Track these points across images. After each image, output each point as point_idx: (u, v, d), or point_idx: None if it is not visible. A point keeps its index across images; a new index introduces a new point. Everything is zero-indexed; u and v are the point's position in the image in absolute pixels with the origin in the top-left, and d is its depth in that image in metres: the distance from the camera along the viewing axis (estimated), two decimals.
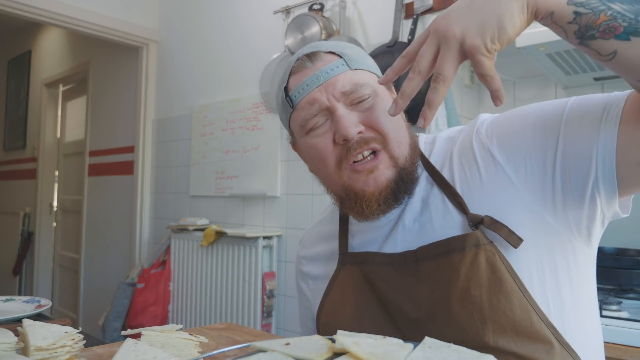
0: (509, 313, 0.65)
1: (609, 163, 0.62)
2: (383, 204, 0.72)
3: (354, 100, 0.72)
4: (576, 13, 0.54)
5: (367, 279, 0.77)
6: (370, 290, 0.77)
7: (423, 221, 0.75)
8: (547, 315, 0.66)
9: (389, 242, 0.77)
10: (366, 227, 0.80)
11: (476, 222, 0.68)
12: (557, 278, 0.68)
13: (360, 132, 0.72)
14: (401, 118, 0.77)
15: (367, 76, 0.75)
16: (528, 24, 0.57)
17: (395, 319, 0.74)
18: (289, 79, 0.76)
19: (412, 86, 0.61)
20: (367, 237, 0.81)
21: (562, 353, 0.66)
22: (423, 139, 0.82)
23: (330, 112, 0.73)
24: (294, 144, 0.84)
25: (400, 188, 0.73)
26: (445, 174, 0.75)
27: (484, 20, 0.56)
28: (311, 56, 0.75)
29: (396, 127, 0.74)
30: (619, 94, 0.64)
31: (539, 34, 1.35)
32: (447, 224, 0.72)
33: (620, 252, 1.51)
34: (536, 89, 1.88)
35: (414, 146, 0.77)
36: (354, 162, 0.72)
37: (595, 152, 0.62)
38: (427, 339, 0.55)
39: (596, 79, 1.67)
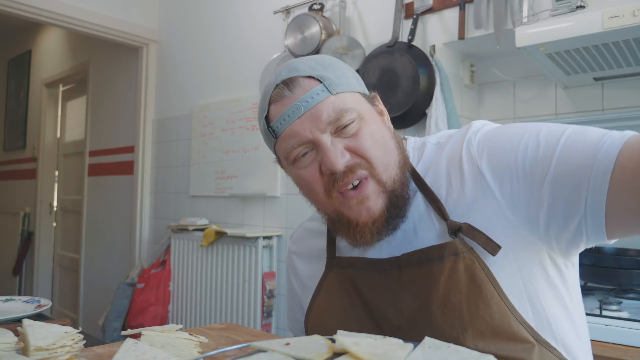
0: (488, 319, 0.66)
1: (598, 206, 0.60)
2: (377, 233, 0.72)
3: (339, 128, 0.70)
4: None
5: (353, 284, 0.78)
6: (356, 295, 0.78)
7: (406, 227, 0.75)
8: (525, 317, 0.68)
9: (374, 247, 0.77)
10: None
11: (455, 229, 0.69)
12: (536, 283, 0.70)
13: (346, 162, 0.69)
14: (389, 136, 0.74)
15: (350, 98, 0.72)
16: None
17: (381, 324, 0.75)
18: (269, 107, 0.74)
19: None
20: None
21: (541, 350, 0.67)
22: (412, 144, 0.81)
23: (314, 144, 0.70)
24: (283, 167, 0.81)
25: (392, 215, 0.72)
26: (429, 180, 0.74)
27: None
28: (289, 83, 0.71)
29: (382, 150, 0.71)
30: (617, 134, 0.62)
31: (539, 34, 1.35)
32: (429, 231, 0.73)
33: (620, 252, 1.51)
34: (536, 89, 1.88)
35: (404, 163, 0.74)
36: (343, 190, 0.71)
37: (585, 193, 0.61)
38: (427, 338, 0.55)
39: (596, 79, 1.67)
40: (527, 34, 1.37)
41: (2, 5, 2.65)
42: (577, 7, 1.33)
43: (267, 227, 2.46)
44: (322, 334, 0.64)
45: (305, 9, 2.27)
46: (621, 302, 1.29)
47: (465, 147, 0.73)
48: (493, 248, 0.66)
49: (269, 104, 0.74)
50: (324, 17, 2.17)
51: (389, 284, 0.74)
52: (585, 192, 0.61)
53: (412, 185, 0.76)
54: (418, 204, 0.74)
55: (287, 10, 2.37)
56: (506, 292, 0.67)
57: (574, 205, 0.62)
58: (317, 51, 2.11)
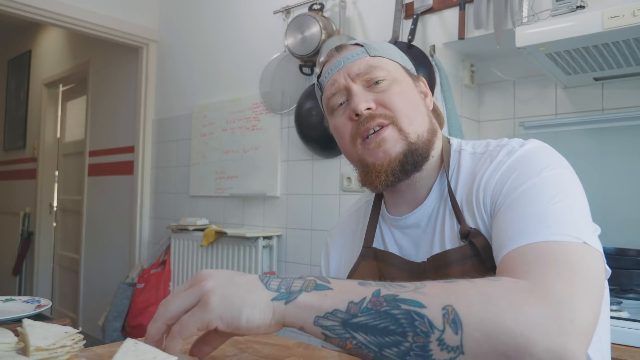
0: None
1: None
2: (391, 175, 0.76)
3: (370, 82, 0.78)
4: (325, 335, 0.54)
5: (382, 278, 0.81)
6: None
7: (427, 215, 0.81)
8: None
9: (412, 247, 0.81)
10: (398, 225, 0.84)
11: (465, 233, 0.72)
12: None
13: (369, 109, 0.77)
14: (421, 103, 0.81)
15: (385, 62, 0.81)
16: (276, 328, 0.56)
17: None
18: (322, 67, 0.85)
19: (153, 330, 0.57)
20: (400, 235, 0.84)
21: None
22: (455, 146, 0.84)
23: (347, 92, 0.80)
24: (327, 124, 0.90)
25: (409, 161, 0.76)
26: (453, 184, 0.79)
27: (230, 299, 0.54)
28: (339, 48, 0.84)
29: (411, 108, 0.78)
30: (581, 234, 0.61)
31: (539, 33, 1.35)
32: (443, 226, 0.77)
33: (620, 252, 1.51)
34: (536, 89, 1.88)
35: (433, 131, 0.80)
36: (367, 136, 0.77)
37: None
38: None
39: (596, 79, 1.67)
40: (527, 34, 1.37)
41: (2, 5, 2.65)
42: (577, 7, 1.34)
43: (267, 227, 2.46)
44: None
45: (305, 9, 2.27)
46: (621, 302, 1.29)
47: (489, 170, 0.74)
48: (487, 255, 0.69)
49: (323, 65, 0.85)
50: (324, 17, 2.17)
51: None
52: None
53: (441, 182, 0.80)
54: (443, 201, 0.79)
55: (287, 10, 2.37)
56: None
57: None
58: (317, 51, 2.11)
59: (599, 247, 0.62)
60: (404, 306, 0.52)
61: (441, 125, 0.89)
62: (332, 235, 0.99)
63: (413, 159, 0.76)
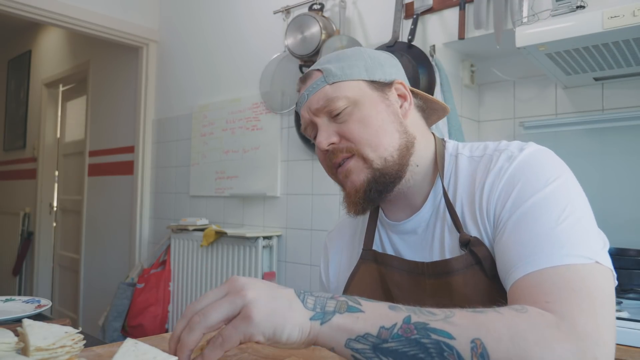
0: None
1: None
2: (360, 203, 0.78)
3: (331, 114, 0.79)
4: (354, 357, 0.55)
5: (383, 279, 0.82)
6: (383, 292, 0.82)
7: (424, 221, 0.81)
8: None
9: (410, 252, 0.82)
10: (396, 230, 0.84)
11: (465, 242, 0.73)
12: None
13: (332, 143, 0.79)
14: (388, 120, 0.79)
15: (344, 87, 0.79)
16: (306, 346, 0.57)
17: None
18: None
19: (192, 340, 0.56)
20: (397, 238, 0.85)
21: None
22: (450, 150, 0.83)
23: (313, 126, 0.82)
24: None
25: (372, 189, 0.77)
26: (451, 190, 0.79)
27: (274, 315, 0.55)
28: (303, 78, 0.84)
29: (372, 134, 0.77)
30: (592, 252, 0.62)
31: (539, 33, 1.35)
32: (441, 234, 0.78)
33: (620, 252, 1.51)
34: (536, 89, 1.88)
35: (406, 146, 0.79)
36: (338, 166, 0.80)
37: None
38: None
39: (596, 79, 1.67)
40: (527, 34, 1.37)
41: (2, 5, 2.65)
42: (577, 7, 1.33)
43: (267, 227, 2.46)
44: None
45: (305, 9, 2.27)
46: (621, 302, 1.29)
47: (491, 178, 0.73)
48: (488, 265, 0.70)
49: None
50: (324, 17, 2.17)
51: (416, 287, 0.78)
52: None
53: (438, 188, 0.80)
54: (442, 207, 0.79)
55: (287, 10, 2.37)
56: None
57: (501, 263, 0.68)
58: (317, 51, 2.11)
59: (609, 264, 0.63)
60: (433, 336, 0.53)
61: (445, 112, 0.89)
62: (331, 238, 0.99)
63: (377, 186, 0.77)
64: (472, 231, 0.74)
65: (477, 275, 0.71)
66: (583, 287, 0.58)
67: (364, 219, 0.92)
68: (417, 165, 0.80)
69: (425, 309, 0.56)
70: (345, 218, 0.99)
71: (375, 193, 0.77)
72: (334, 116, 0.79)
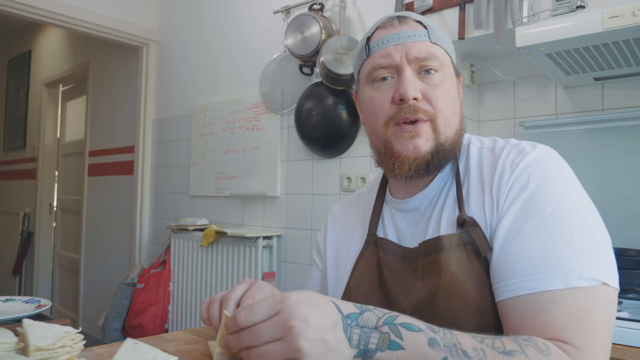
0: (490, 312, 0.69)
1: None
2: (414, 170, 0.77)
3: (423, 69, 0.77)
4: None
5: (379, 263, 0.83)
6: (378, 275, 0.83)
7: (427, 199, 0.82)
8: None
9: (409, 230, 0.83)
10: (399, 208, 0.85)
11: (461, 222, 0.73)
12: None
13: (416, 98, 0.75)
14: (459, 105, 0.82)
15: (442, 53, 0.79)
16: None
17: (392, 307, 0.78)
18: (375, 31, 0.82)
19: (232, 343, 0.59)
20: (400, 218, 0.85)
21: None
22: (465, 140, 0.85)
23: (398, 71, 0.77)
24: (356, 94, 0.89)
25: (435, 160, 0.77)
26: (461, 175, 0.79)
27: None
28: (401, 18, 0.80)
29: (450, 109, 0.78)
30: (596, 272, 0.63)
31: (539, 33, 1.35)
32: (440, 212, 0.78)
33: (621, 252, 1.51)
34: (536, 89, 1.88)
35: (459, 133, 0.81)
36: (403, 123, 0.77)
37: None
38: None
39: (596, 79, 1.67)
40: (527, 34, 1.37)
41: (2, 5, 2.65)
42: (577, 7, 1.34)
43: (267, 227, 2.46)
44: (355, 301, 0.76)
45: (305, 9, 2.27)
46: (621, 302, 1.29)
47: (501, 167, 0.74)
48: (484, 247, 0.70)
49: (376, 28, 0.82)
50: (324, 17, 2.17)
51: (407, 270, 0.78)
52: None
53: (447, 171, 0.81)
54: (446, 189, 0.80)
55: (287, 10, 2.37)
56: None
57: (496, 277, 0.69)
58: (317, 51, 2.11)
59: (616, 283, 0.65)
60: None
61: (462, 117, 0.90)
62: (335, 216, 1.00)
63: (438, 159, 0.77)
64: (476, 214, 0.74)
65: (466, 256, 0.71)
66: (589, 317, 0.61)
67: (369, 200, 0.92)
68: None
69: (460, 348, 0.57)
70: (355, 199, 1.00)
71: (435, 165, 0.77)
72: (424, 73, 0.77)
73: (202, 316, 0.78)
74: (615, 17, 1.22)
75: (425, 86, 0.77)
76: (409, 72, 0.76)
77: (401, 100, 0.75)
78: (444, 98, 0.77)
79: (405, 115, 0.75)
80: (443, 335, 0.57)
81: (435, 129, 0.76)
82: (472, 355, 0.56)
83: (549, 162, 0.72)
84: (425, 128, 0.76)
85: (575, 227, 0.65)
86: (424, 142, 0.76)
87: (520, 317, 0.64)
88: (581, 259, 0.63)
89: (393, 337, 0.57)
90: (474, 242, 0.71)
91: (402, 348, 0.56)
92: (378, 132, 0.80)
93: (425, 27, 0.79)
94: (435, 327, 0.58)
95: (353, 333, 0.56)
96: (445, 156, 0.78)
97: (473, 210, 0.74)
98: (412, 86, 0.75)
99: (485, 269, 0.70)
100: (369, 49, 0.81)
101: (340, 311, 0.57)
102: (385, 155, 0.79)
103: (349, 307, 0.58)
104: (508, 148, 0.76)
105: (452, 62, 0.83)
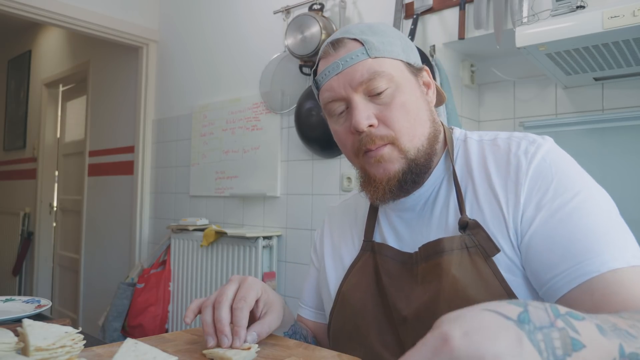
0: None
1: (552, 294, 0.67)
2: (389, 192, 0.76)
3: (372, 92, 0.74)
4: None
5: (376, 269, 0.81)
6: (376, 281, 0.81)
7: (425, 202, 0.80)
8: None
9: (406, 231, 0.81)
10: (395, 208, 0.83)
11: (463, 225, 0.72)
12: None
13: (371, 126, 0.73)
14: (424, 108, 0.77)
15: (387, 64, 0.75)
16: None
17: (392, 313, 0.77)
18: (318, 62, 0.80)
19: None
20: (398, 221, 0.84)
21: None
22: (457, 135, 0.83)
23: (347, 102, 0.75)
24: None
25: (407, 179, 0.75)
26: (460, 171, 0.78)
27: None
28: (335, 44, 0.77)
29: (412, 122, 0.75)
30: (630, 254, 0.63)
31: (539, 33, 1.35)
32: (442, 216, 0.77)
33: None
34: (536, 89, 1.88)
35: (434, 136, 0.78)
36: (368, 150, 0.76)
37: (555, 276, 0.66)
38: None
39: (596, 79, 1.67)
40: (527, 34, 1.37)
41: (2, 5, 2.65)
42: (577, 7, 1.33)
43: (267, 227, 2.46)
44: (347, 312, 0.80)
45: (305, 9, 2.27)
46: None
47: (515, 159, 0.73)
48: (491, 249, 0.69)
49: (319, 59, 0.80)
50: (324, 17, 2.17)
51: (407, 276, 0.77)
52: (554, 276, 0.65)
53: (442, 168, 0.79)
54: (444, 187, 0.79)
55: (287, 10, 2.37)
56: (515, 291, 0.68)
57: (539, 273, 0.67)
58: (317, 51, 2.11)
59: None
60: None
61: (442, 100, 0.87)
62: (331, 217, 0.99)
63: (412, 176, 0.75)
64: (480, 212, 0.72)
65: (469, 259, 0.70)
66: None
67: (365, 205, 0.91)
68: (436, 155, 0.80)
69: (622, 328, 0.47)
70: (350, 200, 0.98)
71: (410, 183, 0.76)
72: (373, 95, 0.74)
73: (187, 321, 0.73)
74: (615, 17, 1.22)
75: (378, 108, 0.74)
76: (357, 101, 0.74)
77: (357, 131, 0.74)
78: (401, 114, 0.74)
79: (365, 146, 0.74)
80: (596, 318, 0.46)
81: (400, 150, 0.74)
82: (635, 334, 0.47)
83: (559, 150, 0.74)
84: (387, 150, 0.74)
85: (610, 212, 0.67)
86: (390, 164, 0.74)
87: (592, 301, 0.61)
88: (621, 241, 0.64)
89: (572, 333, 0.42)
90: (479, 244, 0.70)
91: (584, 346, 0.41)
92: (353, 162, 0.81)
93: (362, 44, 0.75)
94: (579, 312, 0.45)
95: (539, 341, 0.39)
96: (422, 166, 0.76)
97: (483, 206, 0.73)
98: (363, 115, 0.73)
99: (493, 271, 0.68)
100: (317, 84, 0.80)
101: (507, 317, 0.39)
102: (365, 182, 0.79)
103: (509, 308, 0.40)
104: (516, 139, 0.75)
105: (406, 62, 0.78)
